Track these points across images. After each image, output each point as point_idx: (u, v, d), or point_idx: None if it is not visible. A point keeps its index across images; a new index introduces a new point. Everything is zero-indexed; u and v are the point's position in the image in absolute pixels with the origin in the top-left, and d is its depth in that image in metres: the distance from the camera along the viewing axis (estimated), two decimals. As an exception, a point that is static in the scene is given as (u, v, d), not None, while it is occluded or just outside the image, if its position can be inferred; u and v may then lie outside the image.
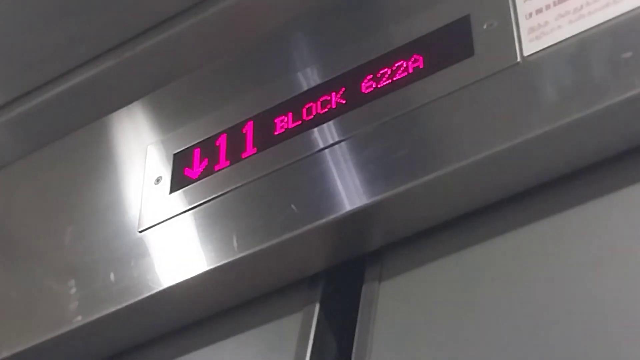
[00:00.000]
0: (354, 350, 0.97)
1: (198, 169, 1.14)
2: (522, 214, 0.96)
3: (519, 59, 0.95)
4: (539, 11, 0.97)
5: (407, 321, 0.97)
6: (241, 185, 1.09)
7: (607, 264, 0.87)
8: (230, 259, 1.05)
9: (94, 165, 1.25)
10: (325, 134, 1.06)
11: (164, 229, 1.13)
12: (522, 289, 0.91)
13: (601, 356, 0.83)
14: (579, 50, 0.92)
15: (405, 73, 1.03)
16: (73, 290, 1.15)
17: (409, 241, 1.02)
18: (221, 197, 1.10)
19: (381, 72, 1.05)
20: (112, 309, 1.10)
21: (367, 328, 0.98)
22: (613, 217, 0.90)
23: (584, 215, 0.92)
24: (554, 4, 0.96)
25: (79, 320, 1.12)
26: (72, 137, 1.29)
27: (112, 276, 1.13)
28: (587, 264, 0.89)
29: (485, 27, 1.00)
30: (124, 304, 1.09)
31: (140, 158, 1.21)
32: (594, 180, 0.91)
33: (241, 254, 1.04)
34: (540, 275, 0.91)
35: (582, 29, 0.93)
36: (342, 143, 1.04)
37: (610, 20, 0.92)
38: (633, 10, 0.91)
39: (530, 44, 0.96)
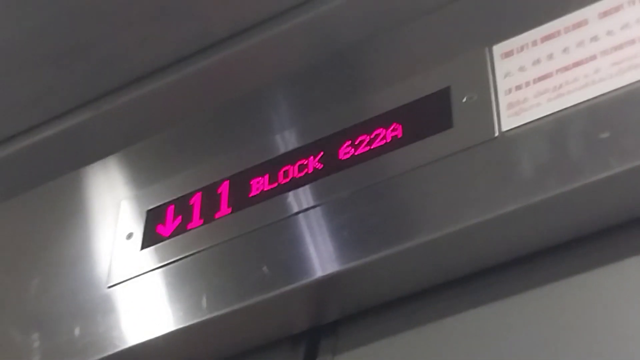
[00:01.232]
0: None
1: (171, 226, 1.13)
2: (486, 290, 0.95)
3: (497, 134, 0.96)
4: (518, 87, 0.98)
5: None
6: (213, 246, 1.08)
7: (569, 344, 0.87)
8: (199, 320, 1.04)
9: (65, 217, 1.24)
10: (300, 198, 1.06)
11: (133, 286, 1.11)
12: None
13: None
14: (557, 128, 0.93)
15: (384, 141, 1.04)
16: (36, 344, 1.13)
17: (366, 314, 1.01)
18: (193, 256, 1.09)
19: (360, 139, 1.06)
20: (75, 364, 1.09)
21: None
22: (582, 296, 0.90)
23: (553, 293, 0.92)
24: (534, 82, 0.97)
25: (41, 375, 1.10)
26: (44, 188, 1.28)
27: (77, 331, 1.11)
28: (550, 345, 0.88)
29: (464, 100, 1.01)
30: (88, 360, 1.08)
31: (113, 212, 1.20)
32: (566, 258, 0.92)
33: (210, 315, 1.03)
34: (499, 354, 0.91)
35: (561, 107, 0.94)
36: (317, 208, 1.04)
37: (588, 100, 0.92)
38: (611, 91, 0.92)
39: (508, 119, 0.96)
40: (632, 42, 0.93)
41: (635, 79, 0.91)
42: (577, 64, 0.95)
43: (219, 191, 1.12)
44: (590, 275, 0.89)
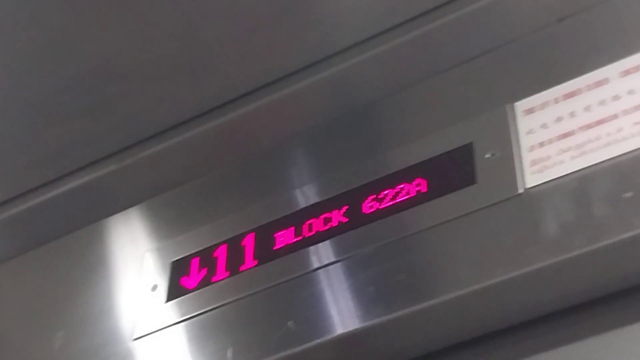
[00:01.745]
0: None
1: (195, 278, 1.14)
2: (510, 348, 0.96)
3: (520, 190, 0.97)
4: (541, 144, 0.99)
5: None
6: (239, 299, 1.09)
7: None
8: (225, 374, 1.05)
9: (89, 268, 1.25)
10: (325, 252, 1.07)
11: (158, 339, 1.12)
12: None
13: None
14: (580, 186, 0.94)
15: (408, 196, 1.05)
16: (62, 398, 1.14)
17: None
18: (218, 309, 1.10)
19: (383, 193, 1.07)
20: (100, 420, 1.10)
21: None
22: (608, 357, 0.91)
23: (575, 353, 0.92)
24: (557, 139, 0.98)
25: None
26: (67, 239, 1.29)
27: (103, 385, 1.12)
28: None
29: (487, 156, 1.02)
30: (113, 416, 1.09)
31: (137, 264, 1.20)
32: (590, 317, 0.92)
33: (236, 370, 1.04)
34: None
35: (584, 166, 0.95)
36: (342, 262, 1.05)
37: (612, 158, 0.93)
38: (635, 150, 0.93)
39: (532, 176, 0.97)
40: (653, 101, 0.95)
41: (658, 139, 0.93)
42: (599, 122, 0.96)
43: (243, 244, 1.13)
44: (615, 335, 0.90)
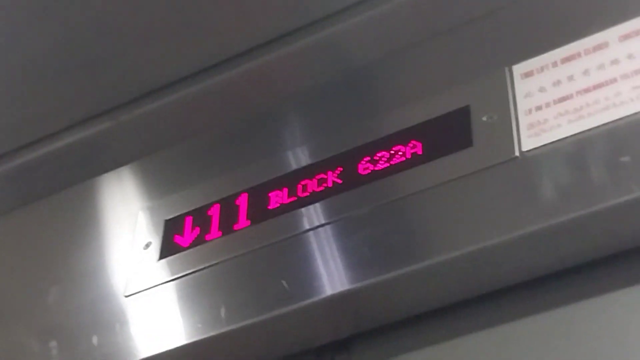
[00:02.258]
0: None
1: (189, 237, 1.14)
2: (503, 310, 0.96)
3: (517, 154, 0.97)
4: (538, 108, 0.99)
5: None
6: (232, 257, 1.09)
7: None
8: (217, 332, 1.05)
9: (82, 225, 1.25)
10: (319, 212, 1.07)
11: (151, 296, 1.12)
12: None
13: None
14: (577, 150, 0.94)
15: (403, 158, 1.05)
16: (54, 352, 1.14)
17: (381, 331, 1.02)
18: (211, 268, 1.10)
19: (379, 154, 1.07)
20: (93, 374, 1.10)
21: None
22: (599, 318, 0.91)
23: (570, 314, 0.92)
24: (554, 103, 0.98)
25: (59, 383, 1.11)
26: (61, 196, 1.29)
27: (95, 340, 1.12)
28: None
29: (484, 119, 1.02)
30: (106, 370, 1.09)
31: (130, 222, 1.20)
32: (586, 280, 0.92)
33: (228, 327, 1.04)
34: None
35: (581, 130, 0.95)
36: (336, 223, 1.05)
37: (609, 123, 0.93)
38: (633, 114, 0.93)
39: (529, 140, 0.97)
40: (653, 66, 0.95)
41: (656, 103, 0.93)
42: (597, 87, 0.96)
43: (237, 203, 1.13)
44: (611, 298, 0.90)
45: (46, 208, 1.30)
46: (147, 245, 1.17)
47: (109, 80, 1.24)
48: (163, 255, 1.15)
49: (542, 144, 0.96)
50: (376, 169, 1.06)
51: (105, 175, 1.28)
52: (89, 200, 1.27)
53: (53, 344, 1.14)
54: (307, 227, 1.06)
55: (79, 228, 1.24)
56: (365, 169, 1.07)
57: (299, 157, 1.13)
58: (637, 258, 0.90)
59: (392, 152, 1.06)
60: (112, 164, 1.27)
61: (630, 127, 0.92)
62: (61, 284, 1.20)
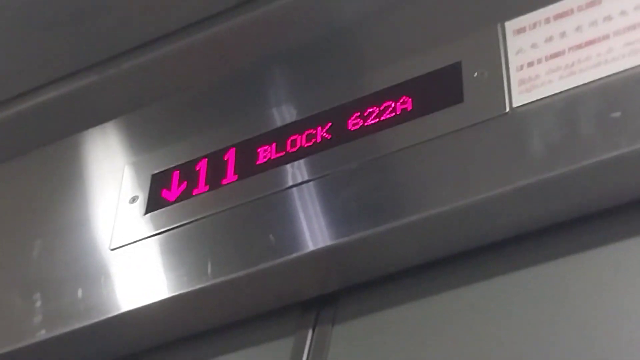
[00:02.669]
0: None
1: (176, 191, 1.14)
2: (490, 264, 0.96)
3: (507, 110, 0.97)
4: (530, 64, 0.99)
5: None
6: (219, 212, 1.08)
7: (573, 321, 0.88)
8: (203, 285, 1.04)
9: (68, 179, 1.24)
10: (308, 168, 1.07)
11: (137, 249, 1.12)
12: (474, 342, 0.92)
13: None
14: (568, 106, 0.94)
15: (393, 114, 1.04)
16: (38, 304, 1.13)
17: (368, 285, 1.02)
18: (198, 222, 1.09)
19: (369, 110, 1.06)
20: (78, 325, 1.09)
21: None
22: (587, 273, 0.91)
23: (558, 269, 0.93)
24: (546, 59, 0.98)
25: (43, 334, 1.10)
26: (47, 150, 1.28)
27: (79, 292, 1.11)
28: (553, 320, 0.89)
29: (475, 75, 1.01)
30: (91, 322, 1.08)
31: (116, 177, 1.19)
32: (574, 235, 0.93)
33: (214, 281, 1.04)
34: (496, 330, 0.92)
35: (573, 85, 0.94)
36: (325, 178, 1.05)
37: (601, 79, 0.93)
38: (624, 71, 0.93)
39: (520, 96, 0.97)
40: (645, 23, 0.95)
41: (648, 60, 0.92)
42: (589, 43, 0.96)
43: (225, 158, 1.13)
44: (598, 253, 0.90)
45: (31, 162, 1.29)
46: (134, 200, 1.16)
47: (95, 34, 1.22)
48: (149, 209, 1.14)
49: (533, 99, 0.96)
50: (366, 124, 1.05)
51: (91, 129, 1.26)
52: (74, 155, 1.26)
53: (37, 296, 1.14)
54: (295, 182, 1.06)
55: (64, 182, 1.23)
56: (354, 124, 1.06)
57: (288, 113, 1.13)
58: (626, 213, 0.91)
59: (382, 107, 1.05)
60: (98, 119, 1.26)
61: (621, 83, 0.92)
62: (46, 238, 1.19)
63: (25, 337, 1.11)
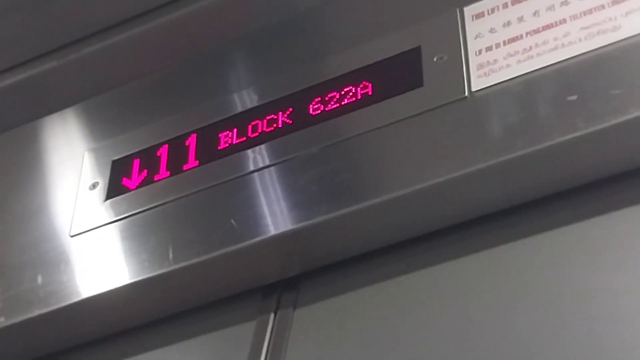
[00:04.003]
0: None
1: (137, 177, 1.13)
2: (450, 247, 0.97)
3: (466, 94, 0.98)
4: (488, 49, 1.00)
5: (319, 351, 0.98)
6: (181, 197, 1.08)
7: (533, 302, 0.89)
8: (165, 270, 1.04)
9: (26, 166, 1.23)
10: (269, 152, 1.07)
11: (97, 236, 1.11)
12: (435, 324, 0.93)
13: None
14: (525, 90, 0.95)
15: (354, 98, 1.05)
16: (-3, 291, 1.13)
17: (329, 269, 1.03)
18: (159, 208, 1.09)
19: (329, 95, 1.07)
20: (38, 312, 1.08)
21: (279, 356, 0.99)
22: (544, 255, 0.92)
23: (517, 250, 0.94)
24: (504, 43, 0.99)
25: (2, 322, 1.09)
26: (5, 136, 1.27)
27: (39, 279, 1.11)
28: (507, 304, 0.90)
29: (435, 59, 1.02)
30: (51, 308, 1.08)
31: (76, 164, 1.19)
32: (531, 217, 0.94)
33: (176, 266, 1.04)
34: (457, 312, 0.93)
35: (530, 70, 0.96)
36: (286, 163, 1.05)
37: (557, 63, 0.95)
38: (580, 55, 0.94)
39: (478, 80, 0.98)
40: (601, 7, 0.96)
41: (604, 44, 0.94)
42: (546, 27, 0.97)
43: (186, 143, 1.12)
44: (555, 233, 0.92)
45: (-11, 149, 1.28)
46: (94, 186, 1.16)
47: (54, 19, 1.22)
48: (110, 195, 1.14)
49: (491, 84, 0.97)
50: (327, 109, 1.06)
51: (50, 116, 1.26)
52: (34, 142, 1.25)
53: (-4, 283, 1.13)
54: (256, 167, 1.06)
55: (23, 169, 1.23)
56: (315, 109, 1.07)
57: (249, 98, 1.13)
58: (583, 196, 0.92)
59: (343, 92, 1.06)
60: (58, 105, 1.25)
61: (578, 67, 0.94)
62: (4, 225, 1.18)
63: (-16, 324, 1.11)
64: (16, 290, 1.11)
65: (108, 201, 1.13)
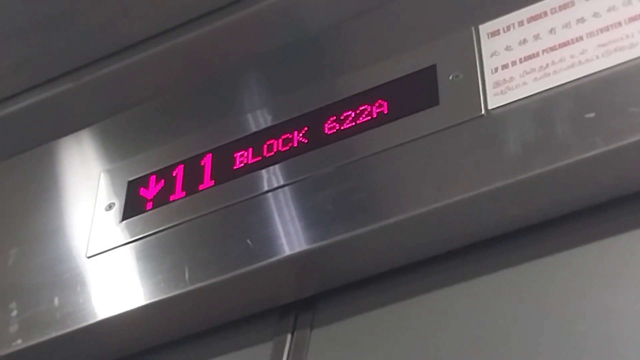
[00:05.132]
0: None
1: (153, 198, 1.13)
2: (469, 266, 0.97)
3: (483, 112, 0.97)
4: (504, 66, 0.99)
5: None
6: (196, 217, 1.08)
7: (553, 322, 0.88)
8: (181, 291, 1.04)
9: (43, 187, 1.23)
10: (284, 172, 1.07)
11: (113, 256, 1.11)
12: (454, 343, 0.93)
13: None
14: (542, 108, 0.95)
15: (369, 117, 1.05)
16: (14, 313, 1.12)
17: (346, 289, 1.02)
18: (175, 228, 1.09)
19: (345, 114, 1.06)
20: (54, 334, 1.08)
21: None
22: (564, 273, 0.91)
23: (536, 270, 0.93)
24: (520, 61, 0.99)
25: (19, 344, 1.09)
26: (22, 158, 1.27)
27: (56, 301, 1.11)
28: (534, 321, 0.89)
29: (451, 77, 1.02)
30: (68, 330, 1.08)
31: (92, 184, 1.19)
32: (550, 235, 0.93)
33: (192, 287, 1.04)
34: (476, 331, 0.92)
35: (547, 87, 0.95)
36: (302, 182, 1.05)
37: (574, 80, 0.94)
38: (597, 72, 0.93)
39: (495, 98, 0.98)
40: (618, 24, 0.95)
41: (621, 61, 0.93)
42: (563, 45, 0.97)
43: (202, 163, 1.12)
44: (574, 252, 0.91)
45: (6, 171, 1.28)
46: (110, 207, 1.16)
47: (70, 40, 1.22)
48: (126, 216, 1.14)
49: (507, 102, 0.97)
50: (342, 128, 1.06)
51: (67, 137, 1.26)
52: (49, 164, 1.25)
53: (13, 305, 1.13)
54: (271, 186, 1.06)
55: (39, 191, 1.23)
56: (331, 128, 1.07)
57: (264, 118, 1.13)
58: (601, 214, 0.91)
59: (358, 111, 1.06)
60: (74, 127, 1.25)
61: (595, 84, 0.93)
62: (22, 246, 1.18)
63: (1, 346, 1.11)
64: (33, 311, 1.11)
65: (124, 222, 1.13)
